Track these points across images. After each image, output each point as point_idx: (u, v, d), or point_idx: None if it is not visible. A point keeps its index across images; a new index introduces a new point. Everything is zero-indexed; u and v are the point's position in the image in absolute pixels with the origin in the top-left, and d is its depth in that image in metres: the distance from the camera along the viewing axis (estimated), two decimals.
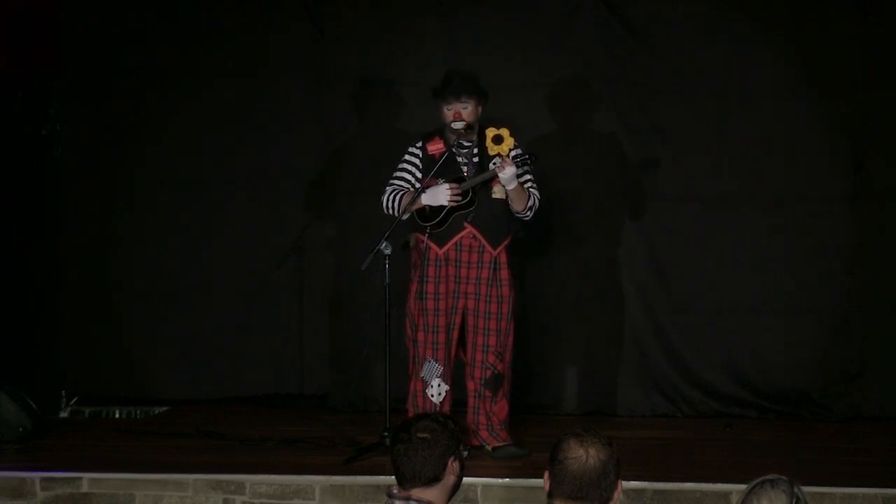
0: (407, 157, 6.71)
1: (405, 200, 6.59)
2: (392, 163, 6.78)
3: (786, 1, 7.70)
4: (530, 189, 6.59)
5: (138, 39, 7.96)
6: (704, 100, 7.76)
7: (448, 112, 6.54)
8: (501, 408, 6.68)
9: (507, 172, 6.38)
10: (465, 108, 6.50)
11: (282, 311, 8.06)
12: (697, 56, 7.73)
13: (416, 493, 3.84)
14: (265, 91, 8.00)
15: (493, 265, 6.62)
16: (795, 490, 3.57)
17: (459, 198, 6.46)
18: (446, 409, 6.61)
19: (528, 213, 6.61)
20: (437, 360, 6.61)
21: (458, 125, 6.51)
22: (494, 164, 6.42)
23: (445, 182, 6.50)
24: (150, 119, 8.01)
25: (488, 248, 6.62)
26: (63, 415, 7.98)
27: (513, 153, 6.45)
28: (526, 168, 6.50)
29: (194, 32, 7.99)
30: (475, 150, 6.62)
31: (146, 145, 8.01)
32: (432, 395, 6.62)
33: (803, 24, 7.68)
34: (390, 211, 6.65)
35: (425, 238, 6.63)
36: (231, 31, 7.99)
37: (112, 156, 8.03)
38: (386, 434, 6.43)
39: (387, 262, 6.45)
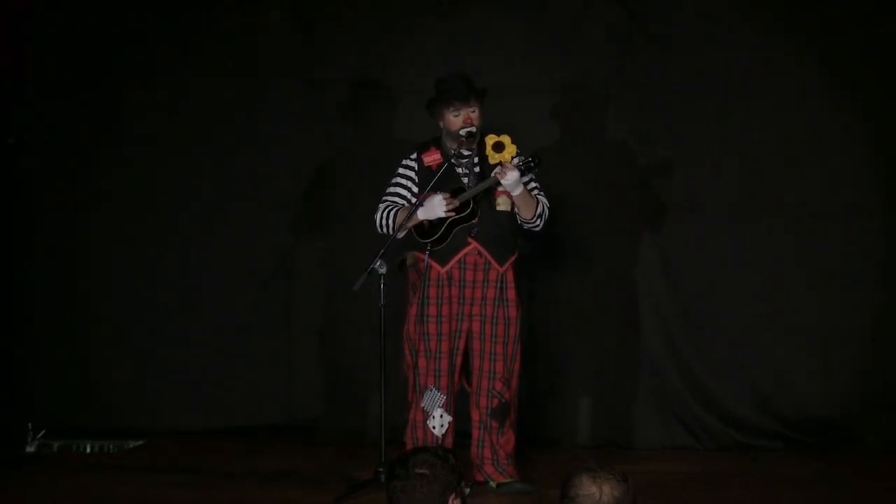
0: (401, 169, 6.66)
1: (400, 216, 6.54)
2: (388, 175, 6.75)
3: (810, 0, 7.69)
4: (537, 195, 6.57)
5: (114, 44, 7.96)
6: (723, 104, 7.71)
7: (455, 118, 6.51)
8: (508, 440, 6.63)
9: (510, 177, 6.35)
10: (474, 112, 6.50)
11: (268, 335, 8.03)
12: (716, 57, 7.70)
13: None
14: (247, 97, 8.00)
15: (499, 284, 6.58)
16: None
17: (456, 206, 6.41)
18: (449, 441, 6.57)
19: (538, 221, 6.58)
20: (439, 389, 6.56)
21: (470, 130, 6.48)
22: (496, 171, 6.40)
23: (441, 194, 6.46)
24: (121, 135, 8.01)
25: (494, 265, 6.57)
26: (30, 449, 7.90)
27: (515, 161, 6.43)
28: (530, 174, 6.49)
29: (175, 35, 8.00)
30: (475, 160, 6.58)
31: (115, 167, 8.02)
32: (434, 427, 6.56)
33: (831, 24, 7.64)
34: (384, 229, 6.61)
35: (426, 256, 6.59)
36: (214, 32, 8.00)
37: (81, 177, 8.04)
38: (381, 469, 6.36)
39: (382, 282, 6.39)
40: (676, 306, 7.81)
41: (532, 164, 6.44)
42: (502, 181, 6.41)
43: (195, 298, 8.00)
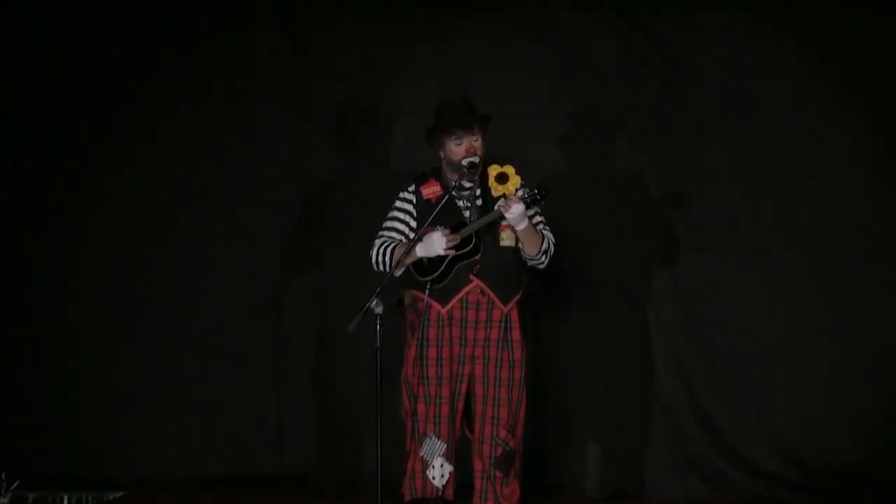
0: (398, 203, 6.57)
1: (398, 253, 6.45)
2: (384, 207, 6.66)
3: (840, 16, 7.59)
4: (543, 230, 6.50)
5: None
6: (744, 129, 7.63)
7: (457, 147, 6.41)
8: (513, 491, 6.53)
9: (515, 210, 6.25)
10: (477, 141, 6.42)
11: (257, 378, 7.94)
12: (736, 80, 7.62)
13: None
14: (232, 124, 7.95)
15: (503, 324, 6.49)
16: None
17: (456, 243, 6.33)
18: (449, 493, 6.50)
19: (543, 257, 6.48)
20: (439, 437, 6.47)
21: (473, 160, 6.38)
22: (500, 204, 6.31)
23: (441, 229, 6.37)
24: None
25: (498, 304, 6.46)
26: (3, 501, 7.67)
27: (519, 192, 6.33)
28: (536, 207, 6.42)
29: (157, 56, 8.00)
30: (478, 192, 6.49)
31: (98, 200, 8.00)
32: (433, 477, 6.47)
33: (859, 43, 7.56)
34: (381, 266, 6.52)
35: (425, 295, 6.49)
36: (192, 51, 7.99)
37: (58, 205, 8.01)
38: None
39: (378, 322, 6.21)
40: (693, 347, 7.72)
41: (538, 197, 6.31)
42: (506, 215, 6.29)
43: (181, 339, 7.93)
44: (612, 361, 7.73)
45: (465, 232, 6.36)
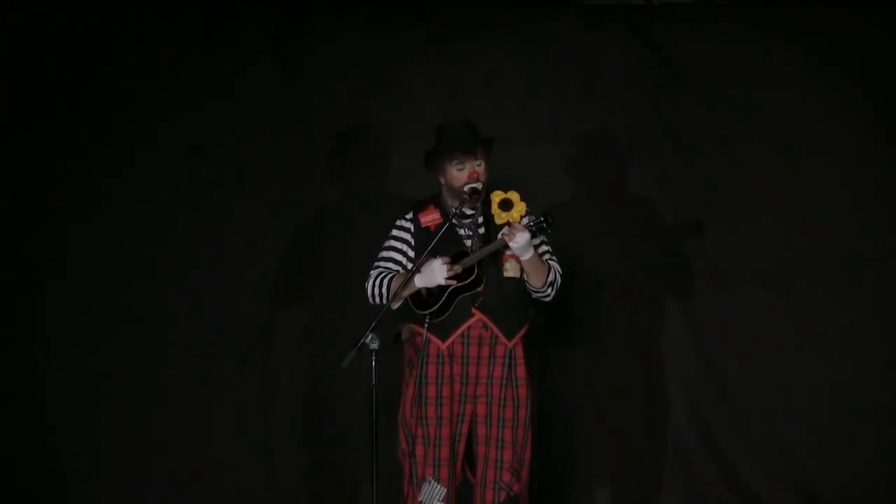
0: (395, 231, 6.48)
1: (395, 284, 6.34)
2: (380, 236, 6.56)
3: (861, 39, 7.56)
4: (549, 261, 6.42)
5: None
6: (761, 155, 7.57)
7: (459, 173, 6.31)
8: None
9: (520, 239, 6.16)
10: (480, 165, 6.32)
11: (245, 419, 7.81)
12: (752, 101, 7.57)
13: None
14: (219, 145, 7.83)
15: (507, 361, 6.39)
16: None
17: (457, 274, 6.25)
18: None
19: (549, 289, 6.40)
20: (438, 481, 6.38)
21: (476, 186, 6.29)
22: (504, 233, 6.22)
23: (441, 258, 6.28)
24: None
25: (502, 338, 6.36)
26: None
27: (525, 219, 6.24)
28: (542, 236, 6.30)
29: (137, 73, 7.85)
30: (480, 220, 6.40)
31: (79, 237, 7.82)
32: None
33: (882, 65, 7.51)
34: (377, 299, 6.42)
35: (424, 330, 6.37)
36: (181, 68, 7.85)
37: (35, 238, 7.85)
38: None
39: (374, 358, 6.17)
40: (707, 382, 7.66)
41: (544, 225, 6.21)
42: (510, 244, 6.18)
43: (164, 377, 7.79)
44: (621, 399, 7.67)
45: (466, 262, 6.26)
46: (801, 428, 7.50)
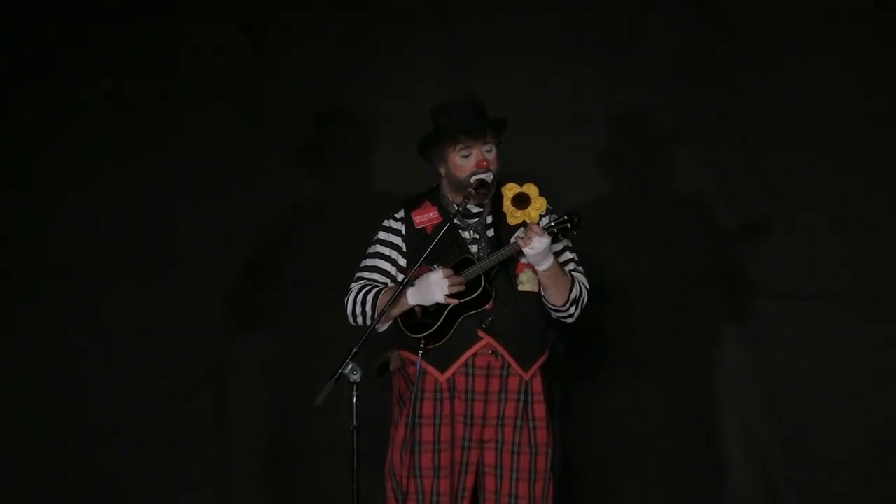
0: (382, 234, 6.00)
1: (382, 301, 5.83)
2: (364, 239, 6.07)
3: None
4: (573, 272, 5.91)
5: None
6: (837, 140, 7.04)
7: (464, 161, 5.79)
8: None
9: (537, 245, 5.66)
10: (490, 152, 5.79)
11: (198, 464, 7.41)
12: (829, 78, 7.05)
13: None
14: (175, 134, 7.45)
15: (523, 397, 5.86)
16: None
17: (462, 290, 5.75)
18: None
19: (573, 308, 5.88)
20: None
21: (485, 177, 5.79)
22: (518, 236, 5.71)
23: (441, 269, 5.74)
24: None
25: (516, 369, 5.83)
26: None
27: (544, 219, 5.76)
28: (565, 240, 5.87)
29: (92, 55, 7.51)
30: (488, 220, 5.90)
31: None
32: None
33: None
34: (359, 319, 5.92)
35: (418, 358, 5.85)
36: (137, 43, 7.45)
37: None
38: None
39: (355, 393, 5.62)
40: (771, 426, 7.15)
41: (568, 226, 5.71)
42: (525, 250, 5.66)
43: (101, 415, 7.37)
44: (667, 443, 7.20)
45: (471, 273, 5.77)
46: (878, 476, 6.98)
